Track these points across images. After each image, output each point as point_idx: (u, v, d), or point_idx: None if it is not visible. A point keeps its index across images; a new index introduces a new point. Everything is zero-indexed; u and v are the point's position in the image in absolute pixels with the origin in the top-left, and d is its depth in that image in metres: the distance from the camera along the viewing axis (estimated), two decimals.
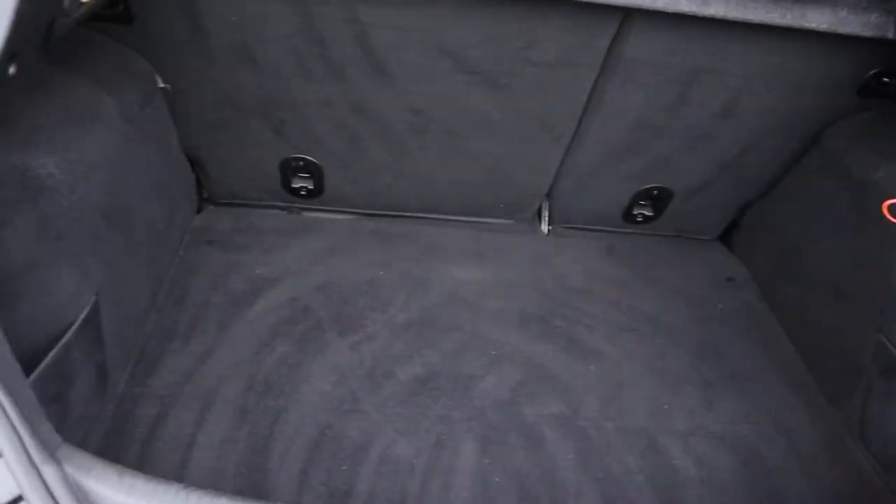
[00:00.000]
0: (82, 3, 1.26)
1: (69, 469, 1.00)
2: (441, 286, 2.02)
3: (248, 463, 1.51)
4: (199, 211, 2.18)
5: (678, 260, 2.27)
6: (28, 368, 1.27)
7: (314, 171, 2.10)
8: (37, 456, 0.98)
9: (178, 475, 1.47)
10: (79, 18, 1.30)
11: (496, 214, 2.27)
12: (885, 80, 1.82)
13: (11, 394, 0.99)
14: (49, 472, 0.98)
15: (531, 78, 1.81)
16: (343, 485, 1.49)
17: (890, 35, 1.64)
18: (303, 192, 2.17)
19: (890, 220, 1.68)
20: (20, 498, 1.01)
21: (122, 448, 1.50)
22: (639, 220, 2.28)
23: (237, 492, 1.45)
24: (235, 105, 1.90)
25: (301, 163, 2.07)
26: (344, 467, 1.53)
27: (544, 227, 2.30)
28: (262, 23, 1.69)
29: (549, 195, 2.25)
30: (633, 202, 2.23)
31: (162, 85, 1.84)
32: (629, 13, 1.66)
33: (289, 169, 2.09)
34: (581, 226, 2.32)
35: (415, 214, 2.25)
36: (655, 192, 2.18)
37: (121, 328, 1.60)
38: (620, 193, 2.19)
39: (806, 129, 1.98)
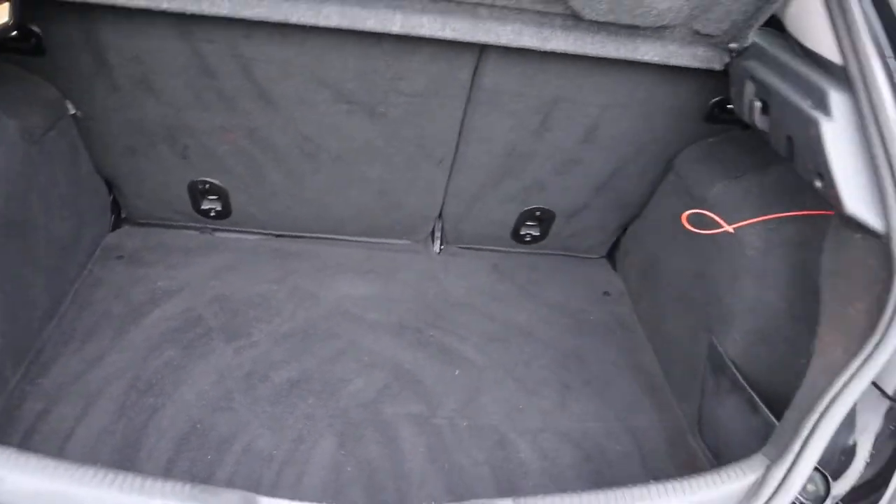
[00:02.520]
0: None
1: None
2: (328, 300, 2.19)
3: (121, 453, 1.67)
4: (115, 228, 2.35)
5: (561, 276, 2.44)
6: None
7: (220, 194, 2.28)
8: None
9: None
10: None
11: (391, 235, 2.45)
12: (729, 106, 1.99)
13: None
14: None
15: (405, 107, 2.00)
16: (204, 472, 1.65)
17: (717, 67, 1.83)
18: (212, 214, 2.34)
19: (694, 230, 1.86)
20: None
21: (2, 439, 1.66)
22: (527, 240, 2.46)
23: None
24: (142, 131, 2.08)
25: (207, 185, 2.25)
26: (208, 457, 1.68)
27: (436, 247, 2.47)
28: (159, 57, 1.88)
29: (440, 217, 2.42)
30: (520, 223, 2.40)
31: (72, 112, 2.02)
32: (484, 48, 1.86)
33: (197, 191, 2.27)
34: (473, 246, 2.49)
35: (314, 235, 2.43)
36: (538, 213, 2.36)
37: (14, 330, 1.77)
38: (506, 215, 2.37)
39: (662, 154, 2.17)
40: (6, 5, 1.61)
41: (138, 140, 2.11)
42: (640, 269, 2.36)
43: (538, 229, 2.44)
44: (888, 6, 1.39)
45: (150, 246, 2.31)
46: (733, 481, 1.25)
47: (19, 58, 1.89)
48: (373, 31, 1.72)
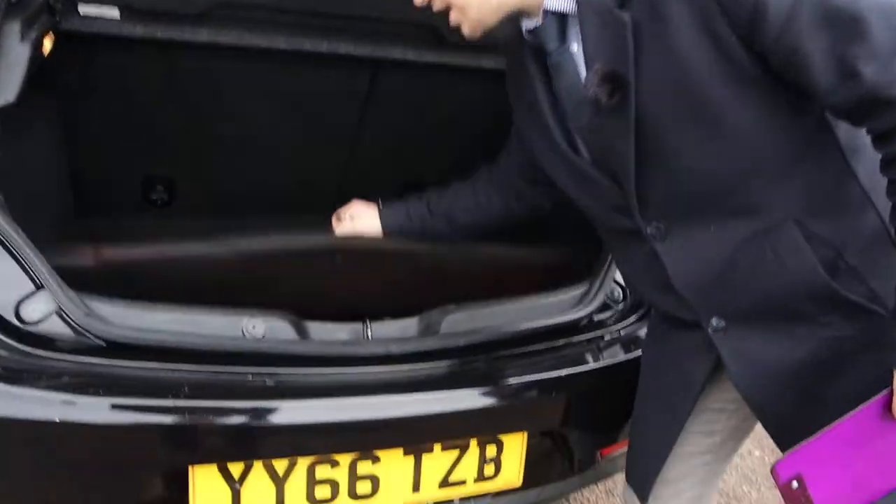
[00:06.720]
0: None
1: None
2: None
3: None
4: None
5: None
6: None
7: (167, 184, 2.89)
8: None
9: None
10: None
11: None
12: None
13: None
14: None
15: (320, 106, 2.76)
16: None
17: None
18: (159, 203, 2.93)
19: None
20: None
21: None
22: None
23: None
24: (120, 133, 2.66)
25: (159, 176, 2.86)
26: None
27: None
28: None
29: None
30: None
31: None
32: (379, 61, 2.67)
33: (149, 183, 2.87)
34: None
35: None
36: None
37: None
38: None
39: None
40: None
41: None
42: None
43: None
44: None
45: None
46: (572, 290, 2.15)
47: None
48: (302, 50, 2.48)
